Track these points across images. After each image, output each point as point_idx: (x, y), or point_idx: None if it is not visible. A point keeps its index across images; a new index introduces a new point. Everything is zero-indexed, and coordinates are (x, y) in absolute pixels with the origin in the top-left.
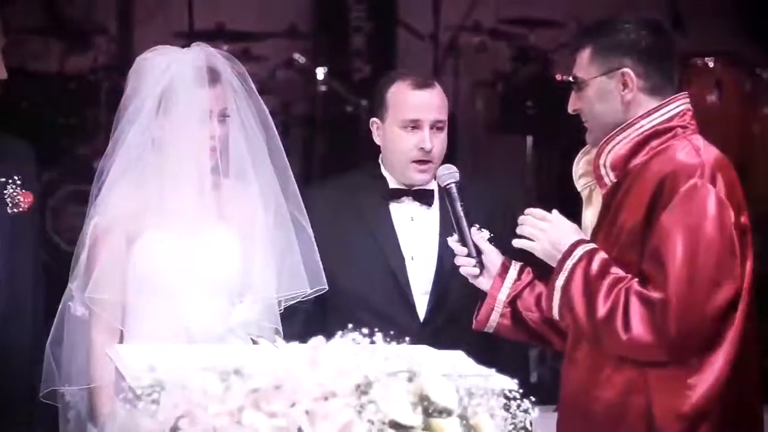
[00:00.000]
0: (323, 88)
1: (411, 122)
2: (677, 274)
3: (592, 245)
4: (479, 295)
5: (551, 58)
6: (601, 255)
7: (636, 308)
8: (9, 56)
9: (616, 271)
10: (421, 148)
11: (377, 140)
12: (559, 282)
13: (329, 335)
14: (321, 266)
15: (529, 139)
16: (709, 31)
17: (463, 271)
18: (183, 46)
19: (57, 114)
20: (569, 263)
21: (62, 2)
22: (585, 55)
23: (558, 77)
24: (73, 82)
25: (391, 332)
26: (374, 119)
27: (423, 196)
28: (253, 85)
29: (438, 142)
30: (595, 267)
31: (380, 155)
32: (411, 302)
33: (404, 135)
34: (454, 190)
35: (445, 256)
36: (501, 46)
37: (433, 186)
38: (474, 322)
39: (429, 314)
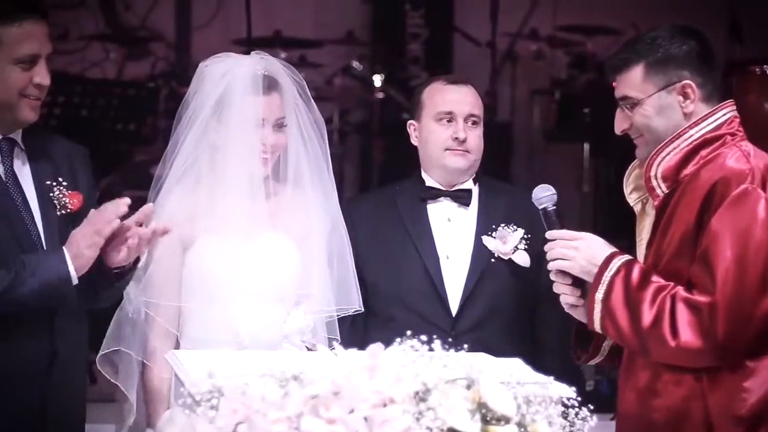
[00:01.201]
0: (380, 95)
1: (446, 114)
2: (725, 277)
3: (627, 256)
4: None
5: None
6: (639, 265)
7: (683, 314)
8: (71, 64)
9: (657, 279)
10: (456, 138)
11: (414, 141)
12: (599, 295)
13: (371, 338)
14: (358, 286)
15: (586, 147)
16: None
17: (563, 300)
18: (242, 54)
19: (115, 120)
20: (607, 275)
21: (121, 10)
22: (636, 73)
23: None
24: (132, 88)
25: (426, 329)
26: (411, 122)
27: (460, 197)
28: (309, 95)
29: (473, 136)
30: (635, 277)
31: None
32: (445, 301)
33: (439, 128)
34: (553, 212)
35: (480, 255)
36: (558, 53)
37: (470, 186)
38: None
39: (461, 312)
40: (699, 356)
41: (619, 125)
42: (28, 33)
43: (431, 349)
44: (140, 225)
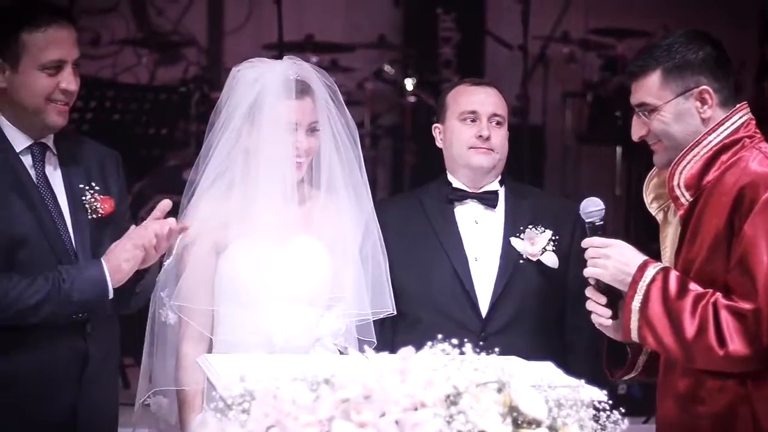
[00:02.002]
0: (411, 99)
1: (469, 113)
2: (766, 282)
3: (661, 264)
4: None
5: None
6: (675, 273)
7: (728, 322)
8: (103, 69)
9: (695, 287)
10: (480, 136)
11: (439, 144)
12: (636, 304)
13: (399, 340)
14: (391, 289)
15: (619, 150)
16: None
17: (594, 319)
18: (273, 58)
19: (147, 125)
20: (643, 284)
21: (153, 14)
22: (653, 79)
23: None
24: (164, 93)
25: (455, 331)
26: (436, 125)
27: (487, 198)
28: (341, 99)
29: (497, 135)
30: (672, 286)
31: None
32: (474, 303)
33: (463, 127)
34: (600, 227)
35: (508, 256)
36: (590, 56)
37: (496, 187)
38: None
39: (490, 313)
40: (747, 363)
41: (636, 132)
42: (53, 39)
43: (462, 353)
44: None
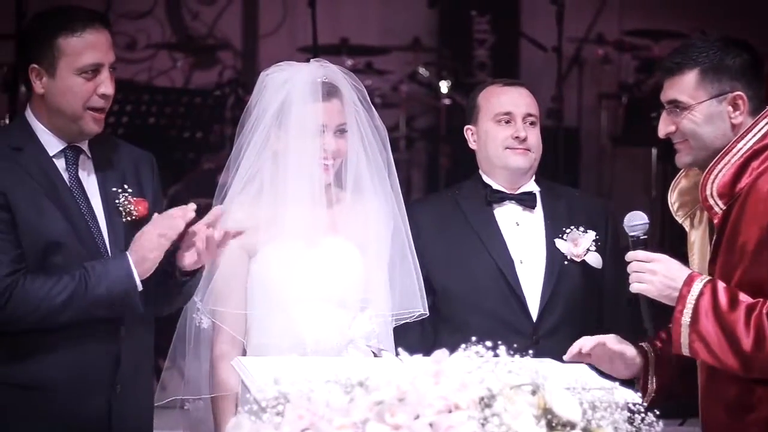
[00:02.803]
0: (446, 101)
1: (504, 115)
2: None
3: (707, 277)
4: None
5: None
6: (723, 285)
7: None
8: (139, 73)
9: (745, 298)
10: (516, 137)
11: (472, 145)
12: (685, 319)
13: (442, 343)
14: (423, 290)
15: (654, 151)
16: None
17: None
18: (307, 62)
19: (182, 128)
20: (691, 298)
21: (188, 19)
22: (689, 78)
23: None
24: (199, 96)
25: (505, 334)
26: (468, 126)
27: (526, 200)
28: (370, 102)
29: (533, 134)
30: (722, 299)
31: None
32: (524, 305)
33: (498, 128)
34: (643, 241)
35: (554, 258)
36: (625, 57)
37: (533, 188)
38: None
39: (541, 316)
40: None
41: (664, 128)
42: (90, 43)
43: (496, 355)
44: (208, 228)
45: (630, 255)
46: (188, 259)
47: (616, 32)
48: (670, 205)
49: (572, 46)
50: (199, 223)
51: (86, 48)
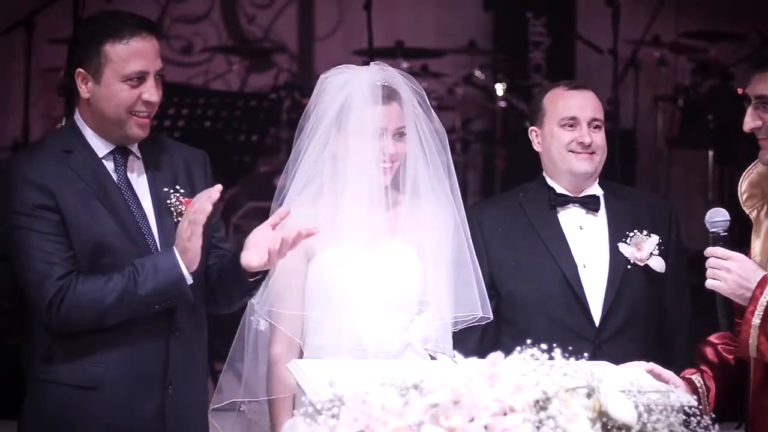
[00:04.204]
0: (502, 103)
1: (569, 119)
2: None
3: None
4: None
5: (732, 72)
6: None
7: None
8: (195, 76)
9: None
10: (580, 143)
11: (537, 147)
12: (756, 320)
13: (504, 348)
14: (486, 295)
15: (711, 154)
16: None
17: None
18: (363, 64)
19: (238, 132)
20: (763, 300)
21: (244, 22)
22: None
23: (740, 91)
24: (255, 99)
25: (568, 338)
26: (532, 128)
27: (589, 203)
28: (429, 105)
29: (597, 138)
30: None
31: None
32: (587, 309)
33: (563, 132)
34: (724, 238)
35: (617, 262)
36: (681, 59)
37: (597, 191)
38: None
39: (604, 320)
40: None
41: (749, 123)
42: (135, 51)
43: (551, 358)
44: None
45: (708, 251)
46: (255, 260)
47: (672, 34)
48: (739, 194)
49: (628, 47)
50: (264, 225)
51: (131, 56)
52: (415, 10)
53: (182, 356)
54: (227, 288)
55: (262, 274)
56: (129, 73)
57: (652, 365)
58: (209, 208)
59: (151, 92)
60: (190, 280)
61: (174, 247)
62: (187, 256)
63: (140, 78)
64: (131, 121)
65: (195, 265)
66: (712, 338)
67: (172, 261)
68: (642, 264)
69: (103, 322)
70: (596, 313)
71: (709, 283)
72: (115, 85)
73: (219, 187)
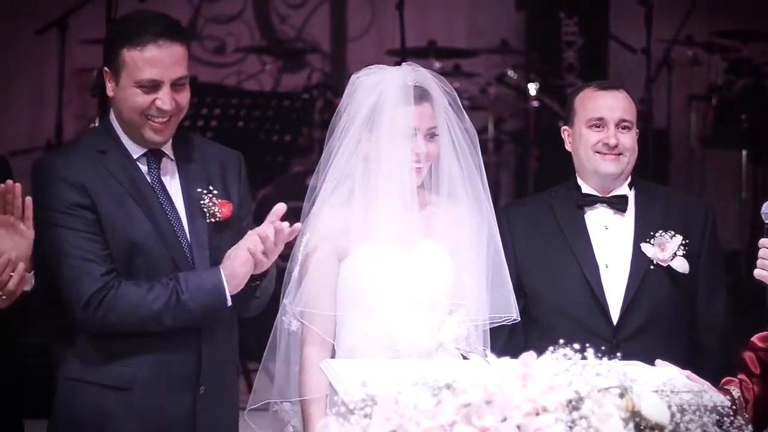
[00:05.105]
0: (535, 103)
1: (596, 120)
2: None
3: None
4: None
5: (766, 71)
6: None
7: None
8: (228, 76)
9: None
10: (606, 144)
11: (568, 147)
12: None
13: (531, 347)
14: (514, 295)
15: (744, 153)
16: None
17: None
18: (395, 64)
19: (271, 132)
20: None
21: (277, 22)
22: None
23: None
24: (287, 99)
25: (586, 338)
26: (564, 127)
27: (616, 203)
28: (461, 105)
29: (625, 140)
30: None
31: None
32: (606, 310)
33: (590, 133)
34: None
35: (639, 263)
36: (714, 59)
37: (625, 191)
38: None
39: (622, 320)
40: None
41: None
42: (149, 59)
43: (584, 357)
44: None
45: (761, 242)
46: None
47: (705, 33)
48: None
49: (661, 47)
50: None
51: (145, 64)
52: (448, 10)
53: (213, 357)
54: (237, 295)
55: (260, 277)
56: (141, 80)
57: (687, 373)
58: (262, 246)
59: (164, 100)
60: (230, 303)
61: (221, 269)
62: (233, 282)
63: (154, 85)
64: (146, 125)
65: (238, 290)
66: (756, 339)
67: (219, 284)
68: (665, 264)
69: (139, 330)
70: (614, 313)
71: (757, 273)
72: (129, 89)
73: (283, 207)
